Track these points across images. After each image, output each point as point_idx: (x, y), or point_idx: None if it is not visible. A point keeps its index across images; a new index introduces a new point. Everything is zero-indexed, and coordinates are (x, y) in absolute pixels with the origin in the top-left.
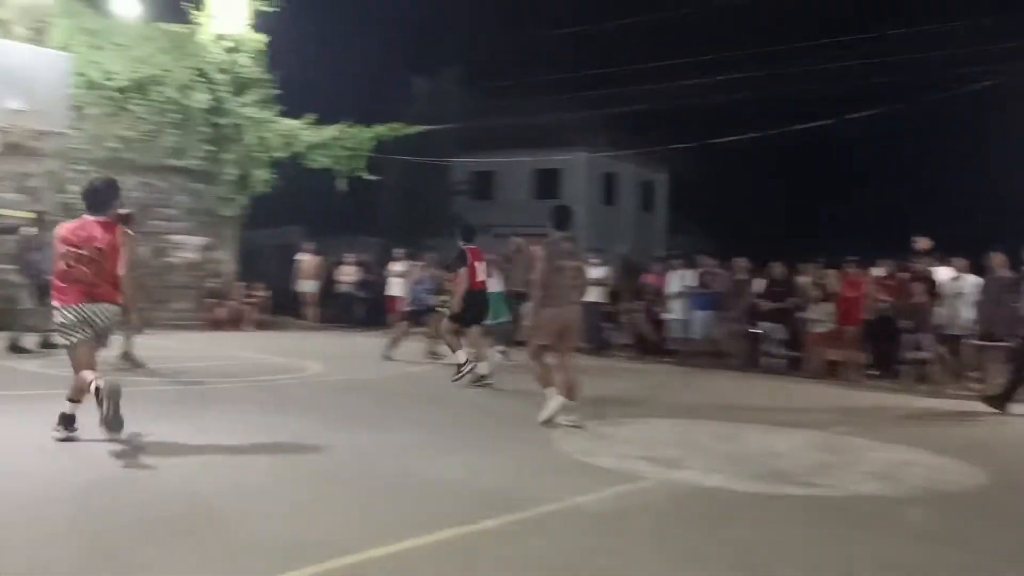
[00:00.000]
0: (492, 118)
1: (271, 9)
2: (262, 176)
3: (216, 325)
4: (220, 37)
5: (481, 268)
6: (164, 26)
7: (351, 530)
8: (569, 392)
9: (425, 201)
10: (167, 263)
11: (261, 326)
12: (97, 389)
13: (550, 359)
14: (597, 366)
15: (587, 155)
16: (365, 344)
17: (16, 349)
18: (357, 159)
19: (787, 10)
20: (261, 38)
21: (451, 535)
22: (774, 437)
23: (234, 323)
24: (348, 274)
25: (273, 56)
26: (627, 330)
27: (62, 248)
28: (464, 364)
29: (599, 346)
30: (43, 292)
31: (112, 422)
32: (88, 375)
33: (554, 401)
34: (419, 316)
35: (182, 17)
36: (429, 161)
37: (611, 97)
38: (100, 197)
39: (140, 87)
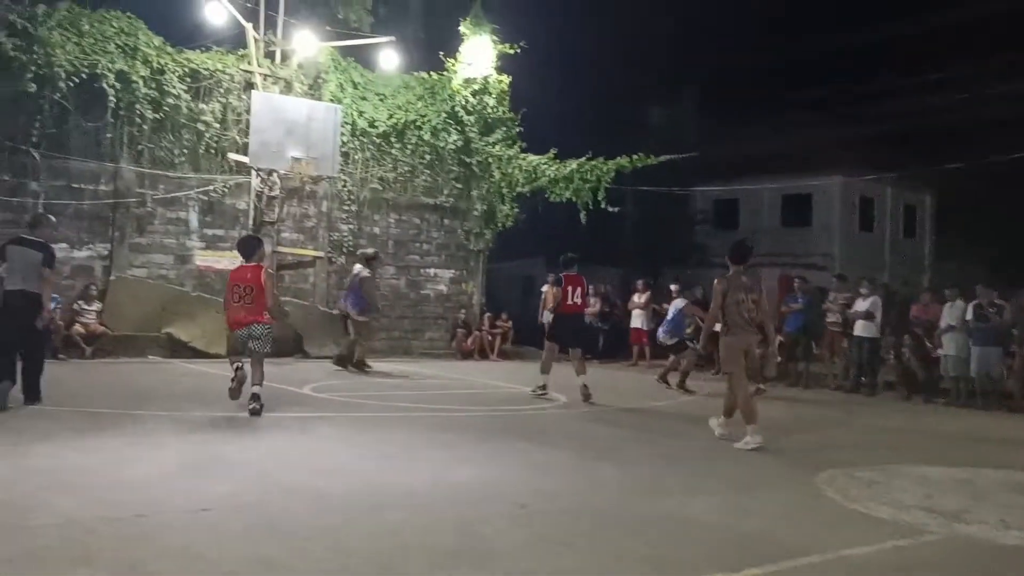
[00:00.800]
0: (735, 144)
1: (514, 51)
2: (507, 210)
3: (464, 354)
4: (468, 81)
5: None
6: (419, 75)
7: (605, 570)
8: (729, 412)
9: (665, 231)
10: (422, 295)
11: (505, 356)
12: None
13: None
14: (864, 405)
15: (842, 179)
16: (606, 375)
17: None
18: (597, 191)
19: None
20: (505, 79)
21: None
22: None
23: (481, 352)
24: (590, 305)
25: (515, 94)
26: (894, 367)
27: (231, 285)
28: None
29: (867, 384)
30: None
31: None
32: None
33: (755, 438)
34: (678, 347)
35: (436, 65)
36: (670, 191)
37: (867, 116)
38: (249, 248)
39: (399, 132)
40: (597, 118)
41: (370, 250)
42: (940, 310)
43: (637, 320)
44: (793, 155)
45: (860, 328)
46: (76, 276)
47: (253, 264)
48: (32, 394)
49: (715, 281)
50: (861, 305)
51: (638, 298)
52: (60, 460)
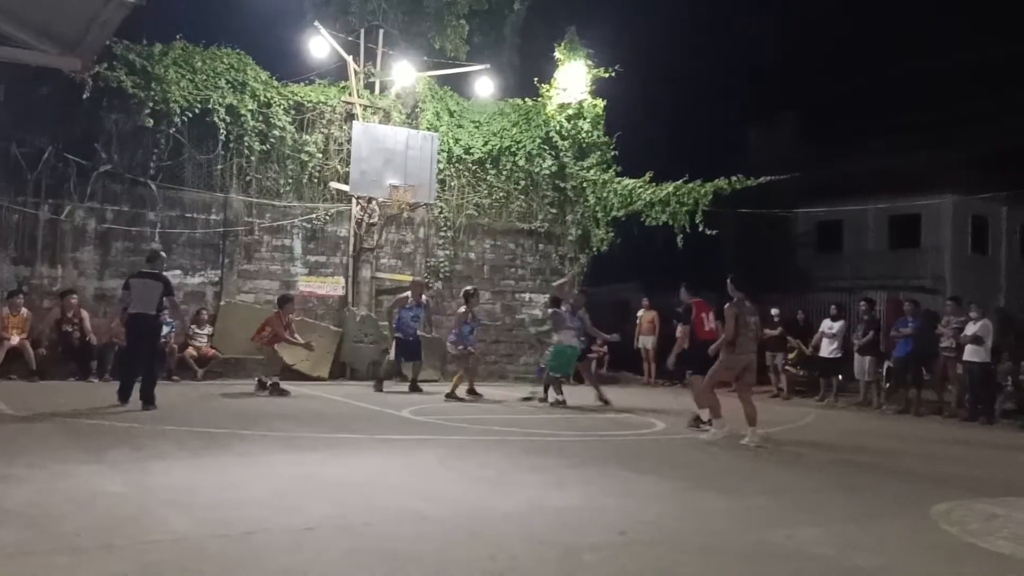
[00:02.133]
0: (838, 164)
1: (609, 75)
2: (601, 235)
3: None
4: (563, 106)
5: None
6: (514, 101)
7: None
8: (751, 420)
9: (765, 255)
10: (516, 319)
11: (600, 380)
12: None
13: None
14: (981, 434)
15: (954, 198)
16: None
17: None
18: (695, 214)
19: None
20: (600, 103)
21: None
22: None
23: (575, 377)
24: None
25: (610, 118)
26: (1012, 395)
27: None
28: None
29: (983, 412)
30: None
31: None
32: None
33: (721, 430)
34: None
35: (530, 91)
36: (770, 213)
37: (981, 133)
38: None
39: (494, 158)
40: (694, 140)
41: (469, 287)
42: None
43: None
44: (900, 175)
45: (969, 353)
46: (189, 301)
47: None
48: (148, 401)
49: (727, 306)
50: (970, 329)
51: None
52: (174, 477)
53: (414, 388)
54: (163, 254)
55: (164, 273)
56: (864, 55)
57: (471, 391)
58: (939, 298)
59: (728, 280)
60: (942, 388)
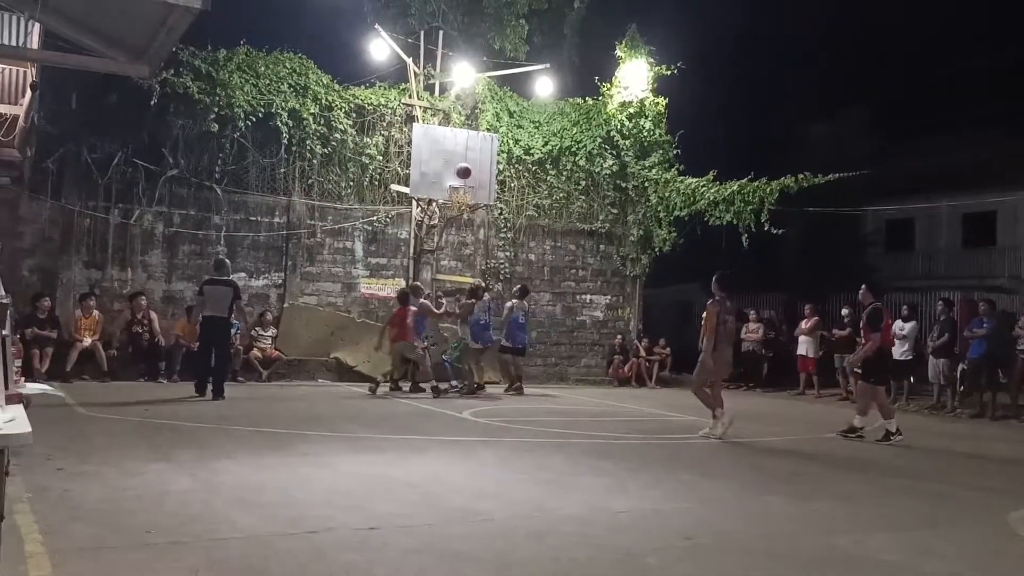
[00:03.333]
0: (910, 160)
1: (671, 72)
2: (664, 235)
3: (621, 381)
4: (624, 105)
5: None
6: (574, 101)
7: None
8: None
9: (833, 254)
10: (577, 321)
11: (663, 383)
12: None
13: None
14: None
15: None
16: (770, 405)
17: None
18: (760, 213)
19: None
20: (662, 101)
21: None
22: None
23: (638, 379)
24: (752, 331)
25: (673, 116)
26: None
27: None
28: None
29: None
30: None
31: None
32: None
33: (726, 418)
34: None
35: (591, 90)
36: (838, 211)
37: None
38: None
39: (554, 158)
40: (759, 137)
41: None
42: None
43: (803, 347)
44: (974, 170)
45: None
46: (253, 304)
47: None
48: (219, 393)
49: (709, 303)
50: None
51: (804, 324)
52: (240, 476)
53: (481, 388)
54: (227, 261)
55: (232, 278)
56: (936, 45)
57: (479, 386)
58: (1016, 298)
59: (714, 278)
60: (1019, 391)
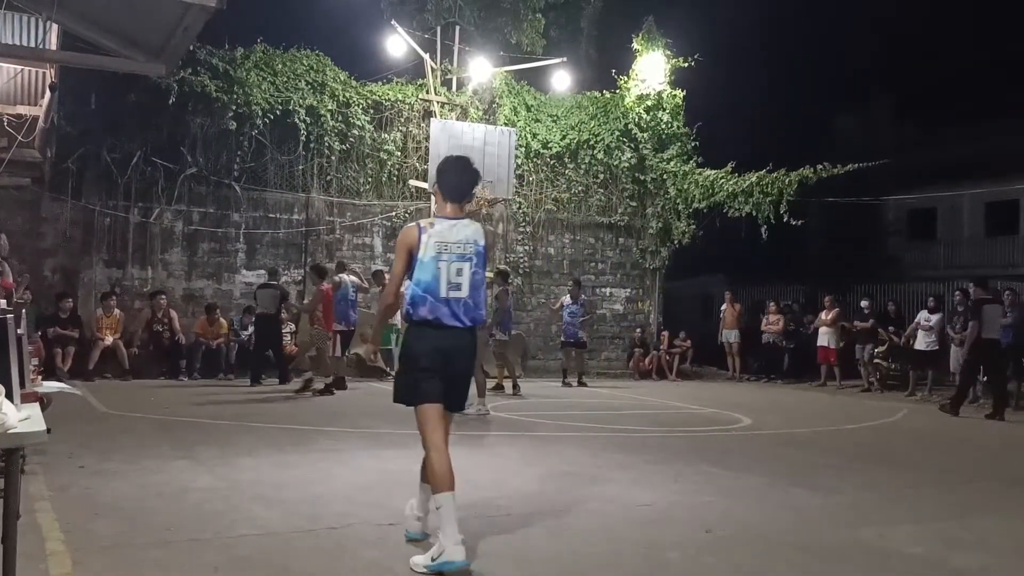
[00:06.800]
0: (931, 150)
1: (688, 64)
2: (683, 227)
3: (642, 374)
4: (642, 97)
5: None
6: (592, 94)
7: None
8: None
9: (854, 244)
10: (597, 314)
11: (684, 376)
12: None
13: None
14: None
15: None
16: (792, 397)
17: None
18: (779, 204)
19: None
20: (680, 93)
21: None
22: None
23: (658, 372)
24: (773, 323)
25: (691, 108)
26: None
27: None
28: None
29: None
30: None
31: None
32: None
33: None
34: None
35: (608, 83)
36: (858, 201)
37: None
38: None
39: (572, 152)
40: (778, 128)
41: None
42: None
43: (824, 338)
44: (997, 158)
45: None
46: None
47: None
48: (283, 378)
49: None
50: None
51: (825, 315)
52: (260, 473)
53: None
54: (278, 270)
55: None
56: (957, 35)
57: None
58: None
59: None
60: None
